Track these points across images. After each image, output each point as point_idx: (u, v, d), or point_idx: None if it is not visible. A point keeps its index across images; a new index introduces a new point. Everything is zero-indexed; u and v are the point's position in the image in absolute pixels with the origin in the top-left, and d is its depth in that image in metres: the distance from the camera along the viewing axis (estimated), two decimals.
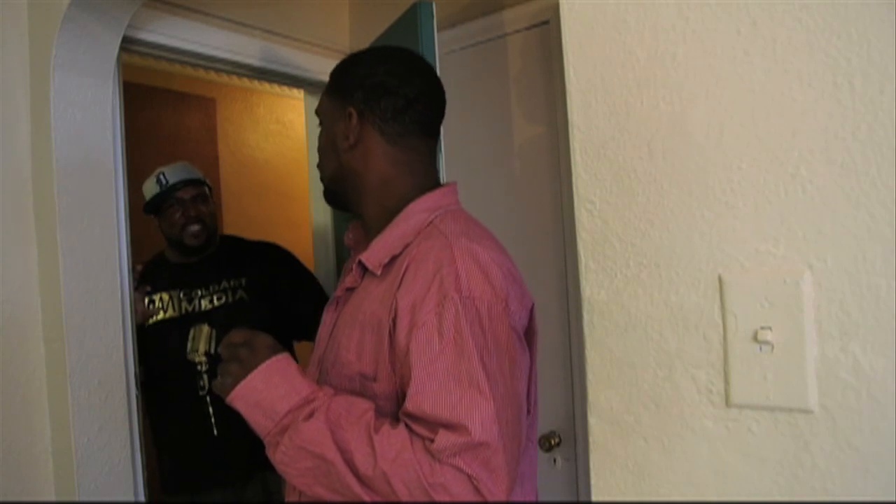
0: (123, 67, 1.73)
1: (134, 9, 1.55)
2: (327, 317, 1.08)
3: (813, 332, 0.58)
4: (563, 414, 1.82)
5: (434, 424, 0.83)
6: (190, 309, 2.00)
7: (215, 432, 1.90)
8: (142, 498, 1.66)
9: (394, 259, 0.94)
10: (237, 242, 2.22)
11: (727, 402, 0.62)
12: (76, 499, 1.48)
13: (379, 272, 0.95)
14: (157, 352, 1.95)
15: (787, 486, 0.59)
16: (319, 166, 1.10)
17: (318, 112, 1.10)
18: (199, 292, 2.03)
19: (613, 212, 0.68)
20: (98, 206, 1.56)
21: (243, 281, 2.05)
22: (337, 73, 1.07)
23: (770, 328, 0.59)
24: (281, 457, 0.87)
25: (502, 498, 0.83)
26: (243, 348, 0.92)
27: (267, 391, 0.88)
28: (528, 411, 0.96)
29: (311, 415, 0.86)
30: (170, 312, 1.99)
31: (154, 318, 1.98)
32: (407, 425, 0.85)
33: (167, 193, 1.99)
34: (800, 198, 0.58)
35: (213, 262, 2.09)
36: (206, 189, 2.09)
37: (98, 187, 1.57)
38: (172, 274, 2.05)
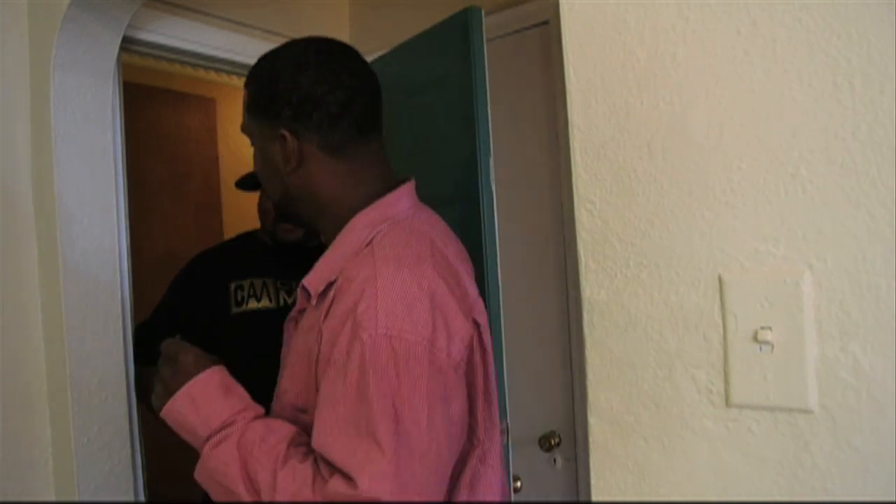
0: (123, 67, 1.73)
1: (134, 9, 1.55)
2: (286, 335, 1.02)
3: (813, 332, 0.58)
4: (563, 414, 1.82)
5: (332, 467, 0.78)
6: (290, 301, 1.71)
7: None
8: (142, 498, 1.66)
9: (330, 286, 0.89)
10: None
11: (727, 402, 0.62)
12: (76, 499, 1.48)
13: (314, 303, 0.91)
14: (240, 345, 1.65)
15: (787, 486, 0.59)
16: (265, 188, 1.02)
17: (244, 131, 1.00)
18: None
19: (613, 212, 0.68)
20: (98, 206, 1.56)
21: None
22: (254, 90, 0.96)
23: (770, 328, 0.59)
24: (197, 476, 0.87)
25: None
26: (166, 367, 0.90)
27: (189, 415, 0.86)
28: (476, 434, 0.91)
29: (221, 441, 0.84)
30: (264, 302, 1.71)
31: (243, 305, 1.71)
32: (316, 461, 0.81)
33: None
34: (800, 198, 0.58)
35: (317, 256, 1.84)
36: None
37: (98, 187, 1.57)
38: (267, 257, 1.77)
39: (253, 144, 0.99)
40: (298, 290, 0.95)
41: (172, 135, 3.20)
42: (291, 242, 1.72)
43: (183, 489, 1.64)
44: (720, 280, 0.62)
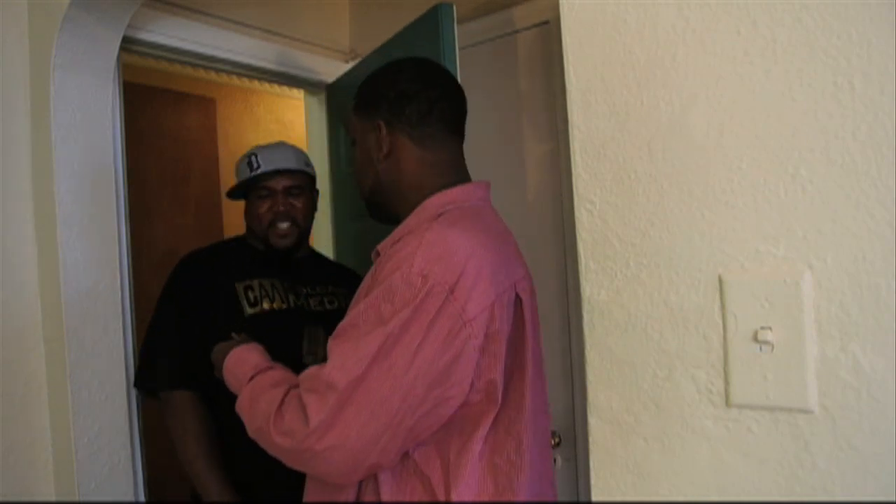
0: (123, 67, 1.73)
1: (134, 9, 1.55)
2: None
3: (813, 332, 0.58)
4: (563, 414, 1.82)
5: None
6: (299, 304, 1.70)
7: None
8: (142, 498, 1.66)
9: (394, 245, 1.00)
10: (322, 256, 1.97)
11: (727, 402, 0.62)
12: (76, 499, 1.48)
13: (378, 256, 1.02)
14: (263, 345, 1.49)
15: (787, 486, 0.59)
16: (358, 183, 1.15)
17: (349, 132, 1.15)
18: (305, 290, 1.74)
19: (613, 212, 0.68)
20: (98, 206, 1.56)
21: (347, 293, 1.70)
22: (360, 93, 1.13)
23: (770, 328, 0.59)
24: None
25: (314, 423, 0.87)
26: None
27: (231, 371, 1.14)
28: (493, 397, 0.94)
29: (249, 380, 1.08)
30: (277, 302, 1.68)
31: (258, 306, 1.66)
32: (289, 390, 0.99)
33: (254, 181, 1.67)
34: (800, 198, 0.58)
35: (310, 262, 1.81)
36: (308, 179, 1.75)
37: (98, 187, 1.57)
38: (264, 261, 1.73)
39: (354, 144, 1.15)
40: (372, 255, 1.08)
41: (172, 135, 3.20)
42: (284, 248, 1.70)
43: (183, 489, 1.64)
44: (720, 280, 0.62)
